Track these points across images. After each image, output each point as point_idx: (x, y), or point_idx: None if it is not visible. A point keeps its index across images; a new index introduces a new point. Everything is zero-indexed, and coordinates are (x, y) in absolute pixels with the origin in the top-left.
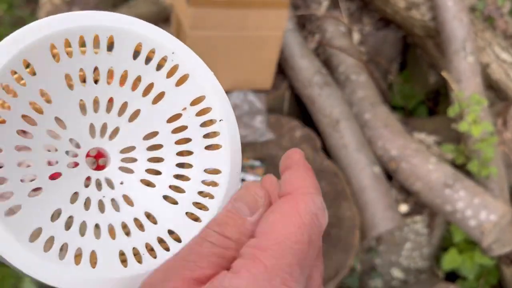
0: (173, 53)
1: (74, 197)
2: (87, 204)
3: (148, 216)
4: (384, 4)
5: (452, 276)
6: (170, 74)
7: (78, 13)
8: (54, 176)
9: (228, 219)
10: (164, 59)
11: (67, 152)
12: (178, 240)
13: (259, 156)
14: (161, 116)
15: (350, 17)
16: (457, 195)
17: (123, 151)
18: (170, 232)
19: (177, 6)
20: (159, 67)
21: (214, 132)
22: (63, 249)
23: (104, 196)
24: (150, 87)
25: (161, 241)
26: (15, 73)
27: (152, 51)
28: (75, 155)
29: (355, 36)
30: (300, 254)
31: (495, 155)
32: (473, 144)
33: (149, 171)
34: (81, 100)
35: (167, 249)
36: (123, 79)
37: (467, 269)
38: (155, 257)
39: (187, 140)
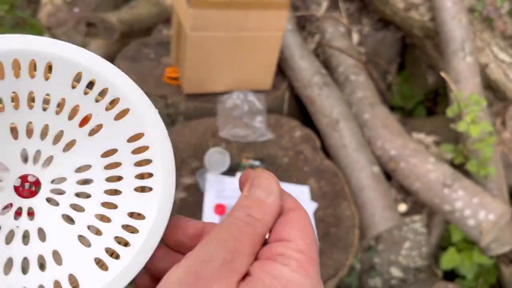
0: (113, 86)
1: None
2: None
3: (55, 255)
4: (383, 5)
5: (451, 275)
6: (109, 107)
7: (17, 36)
8: None
9: (249, 202)
10: (104, 92)
11: None
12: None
13: (259, 156)
14: (96, 149)
15: (349, 17)
16: (455, 195)
17: (54, 181)
18: (70, 277)
19: (177, 7)
20: (98, 98)
21: (148, 173)
22: None
23: (17, 226)
24: (87, 118)
25: (57, 285)
26: None
27: (92, 82)
28: None
29: (355, 36)
30: (317, 250)
31: (493, 155)
32: (472, 144)
33: (73, 206)
34: (12, 123)
35: None
36: (61, 107)
37: (466, 268)
38: None
39: (119, 178)
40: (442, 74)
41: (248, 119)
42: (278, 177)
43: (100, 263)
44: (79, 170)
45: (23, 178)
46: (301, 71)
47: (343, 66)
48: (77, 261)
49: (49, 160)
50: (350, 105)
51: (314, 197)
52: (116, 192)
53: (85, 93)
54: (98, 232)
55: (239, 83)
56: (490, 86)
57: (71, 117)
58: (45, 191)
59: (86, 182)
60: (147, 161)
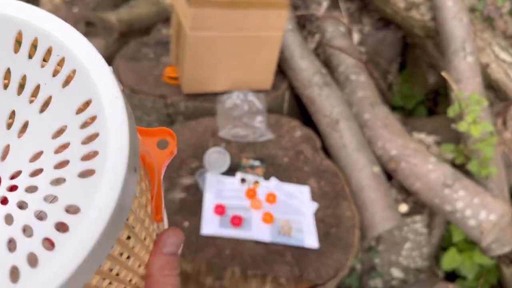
0: (57, 41)
1: None
2: None
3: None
4: (384, 4)
5: (451, 276)
6: (56, 71)
7: None
8: None
9: (170, 264)
10: (49, 51)
11: None
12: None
13: (259, 156)
14: (47, 130)
15: (349, 17)
16: (456, 195)
17: (12, 176)
18: None
19: (177, 7)
20: (44, 62)
21: (94, 152)
22: None
23: None
24: (36, 90)
25: None
26: None
27: (35, 42)
28: None
29: (355, 36)
30: None
31: (494, 155)
32: (473, 144)
33: (19, 203)
34: None
35: None
36: (7, 79)
37: (467, 268)
38: None
39: (66, 163)
40: (443, 73)
41: (248, 119)
42: (278, 177)
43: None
44: (32, 159)
45: None
46: (301, 71)
47: (343, 65)
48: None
49: (6, 150)
50: (351, 105)
51: (314, 197)
52: (58, 182)
53: (29, 57)
54: (29, 233)
55: (239, 83)
56: (491, 86)
57: (19, 91)
58: (2, 189)
59: (36, 173)
60: (95, 135)
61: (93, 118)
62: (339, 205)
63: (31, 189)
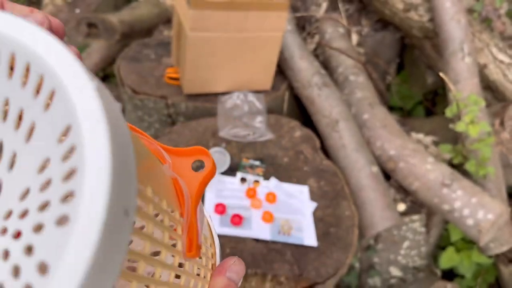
0: (35, 55)
1: None
2: None
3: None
4: (383, 6)
5: (449, 274)
6: (37, 91)
7: None
8: None
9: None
10: (27, 68)
11: None
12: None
13: (259, 156)
14: (32, 163)
15: (348, 18)
16: (454, 195)
17: (6, 215)
18: None
19: (178, 8)
20: (24, 81)
21: (71, 192)
22: None
23: None
24: (21, 114)
25: None
26: None
27: (13, 56)
28: None
29: (354, 37)
30: None
31: (492, 155)
32: (471, 144)
33: (4, 251)
34: None
35: None
36: None
37: (465, 267)
38: None
39: (46, 205)
40: (441, 74)
41: (248, 119)
42: (278, 177)
43: None
44: (22, 197)
45: None
46: (301, 71)
47: (342, 66)
48: None
49: None
50: (350, 106)
51: (313, 197)
52: (38, 228)
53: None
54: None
55: (239, 84)
56: (489, 87)
57: (4, 118)
58: None
59: (23, 215)
60: (73, 171)
61: (72, 150)
62: (338, 204)
63: (17, 235)
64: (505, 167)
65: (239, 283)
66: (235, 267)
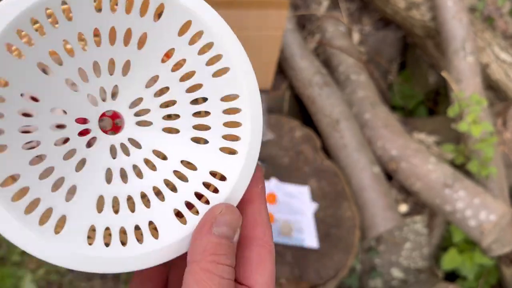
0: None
1: (97, 170)
2: (108, 175)
3: (183, 164)
4: (384, 4)
5: (451, 276)
6: (202, 51)
7: None
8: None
9: (220, 248)
10: (208, 46)
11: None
12: (224, 178)
13: (259, 156)
14: (185, 97)
15: (350, 17)
16: (456, 195)
17: (138, 113)
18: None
19: None
20: (192, 41)
21: (235, 136)
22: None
23: (125, 163)
24: (181, 62)
25: (199, 196)
26: (22, 31)
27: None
28: (85, 121)
29: (355, 36)
30: None
31: (494, 155)
32: (473, 144)
33: (160, 142)
34: (95, 62)
35: (207, 202)
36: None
37: (467, 269)
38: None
39: (206, 114)
40: (443, 73)
41: None
42: (279, 177)
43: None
44: (162, 106)
45: (111, 116)
46: (301, 70)
47: (343, 65)
48: (208, 162)
49: (139, 101)
50: (351, 105)
51: (314, 197)
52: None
53: (190, 44)
54: (183, 178)
55: None
56: (491, 86)
57: (175, 68)
58: (130, 123)
59: (171, 117)
60: (236, 124)
61: (236, 110)
62: (339, 205)
63: (172, 117)
64: (507, 167)
65: (236, 237)
66: (224, 218)
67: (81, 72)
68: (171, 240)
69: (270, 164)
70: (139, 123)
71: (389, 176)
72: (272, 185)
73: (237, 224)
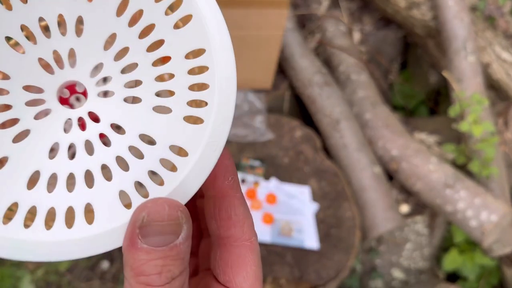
0: None
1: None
2: (70, 152)
3: (143, 139)
4: (385, 4)
5: (453, 276)
6: (169, 12)
7: None
8: (20, 136)
9: (152, 267)
10: None
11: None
12: (185, 154)
13: (259, 156)
14: (147, 57)
15: (350, 16)
16: (457, 195)
17: (99, 84)
18: (173, 148)
19: None
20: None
21: (203, 101)
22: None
23: (77, 139)
24: (139, 14)
25: (164, 161)
26: None
27: None
28: (39, 90)
29: (356, 35)
30: None
31: (496, 155)
32: (474, 144)
33: (121, 112)
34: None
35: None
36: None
37: (468, 269)
38: (162, 184)
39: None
40: (444, 73)
41: (248, 119)
42: (279, 177)
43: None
44: (124, 71)
45: (70, 87)
46: (302, 70)
47: (344, 65)
48: (168, 133)
49: (99, 67)
50: (351, 105)
51: (314, 197)
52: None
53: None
54: (138, 155)
55: (239, 83)
56: (492, 86)
57: (131, 23)
58: (92, 98)
59: (134, 85)
60: (203, 86)
61: (204, 68)
62: (339, 205)
63: (133, 84)
64: (508, 167)
65: (183, 235)
66: (152, 226)
67: (26, 30)
68: (108, 227)
69: (270, 164)
70: (100, 94)
71: (390, 176)
72: (272, 185)
73: (175, 224)
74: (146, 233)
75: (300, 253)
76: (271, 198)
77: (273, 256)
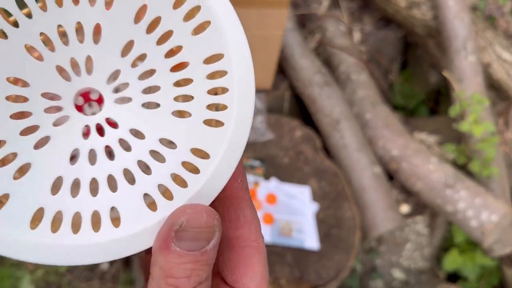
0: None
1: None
2: (91, 157)
3: (163, 143)
4: (385, 3)
5: (453, 277)
6: (188, 18)
7: None
8: (39, 144)
9: (182, 270)
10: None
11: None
12: (206, 156)
13: (259, 156)
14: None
15: (350, 16)
16: (458, 196)
17: (117, 88)
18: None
19: None
20: (176, 5)
21: (223, 105)
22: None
23: (97, 144)
24: (156, 21)
25: (185, 164)
26: None
27: None
28: (57, 98)
29: (356, 35)
30: None
31: (496, 155)
32: (474, 144)
33: (140, 118)
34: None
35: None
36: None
37: (468, 269)
38: (186, 186)
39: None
40: (444, 73)
41: None
42: (279, 177)
43: (210, 122)
44: (142, 77)
45: (84, 95)
46: (302, 70)
47: (344, 65)
48: (189, 136)
49: (116, 74)
50: (351, 105)
51: (315, 197)
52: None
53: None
54: (159, 158)
55: None
56: (493, 86)
57: (149, 30)
58: (109, 105)
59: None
60: (223, 89)
61: (222, 73)
62: (340, 205)
63: (152, 90)
64: (509, 167)
65: (213, 243)
66: (189, 231)
67: (45, 38)
68: (135, 229)
69: (270, 164)
70: (118, 100)
71: (390, 176)
72: (272, 185)
73: (210, 232)
74: (181, 237)
75: (300, 253)
76: (271, 198)
77: (273, 256)
